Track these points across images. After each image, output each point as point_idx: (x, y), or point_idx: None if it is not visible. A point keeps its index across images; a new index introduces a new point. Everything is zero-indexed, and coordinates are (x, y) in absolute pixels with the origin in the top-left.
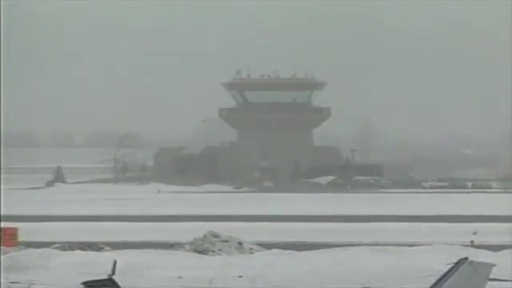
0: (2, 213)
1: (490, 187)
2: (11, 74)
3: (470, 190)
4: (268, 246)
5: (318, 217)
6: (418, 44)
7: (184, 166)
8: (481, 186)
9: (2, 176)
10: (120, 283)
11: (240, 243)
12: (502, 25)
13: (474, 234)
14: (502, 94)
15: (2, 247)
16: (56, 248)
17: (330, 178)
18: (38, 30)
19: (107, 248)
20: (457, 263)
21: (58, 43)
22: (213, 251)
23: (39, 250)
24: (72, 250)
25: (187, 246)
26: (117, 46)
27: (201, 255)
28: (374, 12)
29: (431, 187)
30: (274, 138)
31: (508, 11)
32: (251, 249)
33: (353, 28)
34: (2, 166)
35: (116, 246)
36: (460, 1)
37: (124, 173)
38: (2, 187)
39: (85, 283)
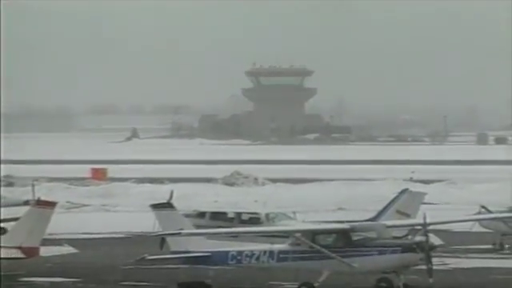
0: (96, 158)
1: (423, 141)
2: (100, 60)
3: (409, 143)
4: (274, 180)
5: (307, 161)
6: (381, 39)
7: (218, 127)
8: (417, 140)
9: (96, 134)
10: (176, 205)
11: (256, 178)
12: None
13: (413, 172)
14: (432, 77)
15: (96, 181)
16: (133, 182)
17: (316, 135)
18: (114, 20)
19: (167, 182)
20: (400, 192)
21: (132, 33)
22: (237, 184)
23: (121, 183)
24: (143, 183)
25: (220, 181)
26: (170, 38)
27: (229, 187)
28: (356, 14)
29: (384, 141)
30: (279, 108)
31: None
32: (263, 182)
33: (336, 28)
34: (96, 127)
35: (173, 180)
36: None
37: (178, 131)
38: (95, 141)
39: (152, 205)
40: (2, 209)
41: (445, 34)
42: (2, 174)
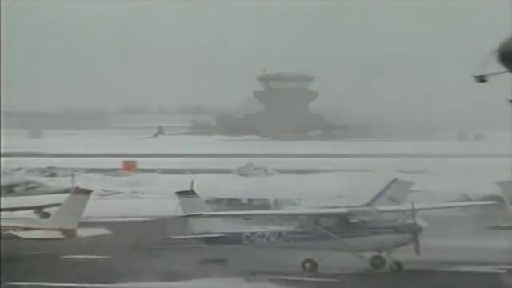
0: (127, 152)
1: (411, 137)
2: (129, 63)
3: (400, 139)
4: (282, 171)
5: (310, 155)
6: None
7: (233, 125)
8: (407, 136)
9: (126, 131)
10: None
11: (266, 170)
12: None
13: (400, 165)
14: (425, 79)
15: (127, 172)
16: (158, 172)
17: (318, 132)
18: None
19: (188, 172)
20: (391, 182)
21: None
22: (249, 175)
23: (149, 174)
24: (168, 174)
25: (234, 172)
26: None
27: (243, 177)
28: (354, 20)
29: (378, 137)
30: (286, 108)
31: None
32: (272, 173)
33: (335, 36)
34: (126, 125)
35: (193, 171)
36: None
37: (198, 129)
38: (126, 138)
39: (177, 193)
40: (46, 195)
41: (444, 35)
42: (45, 166)
